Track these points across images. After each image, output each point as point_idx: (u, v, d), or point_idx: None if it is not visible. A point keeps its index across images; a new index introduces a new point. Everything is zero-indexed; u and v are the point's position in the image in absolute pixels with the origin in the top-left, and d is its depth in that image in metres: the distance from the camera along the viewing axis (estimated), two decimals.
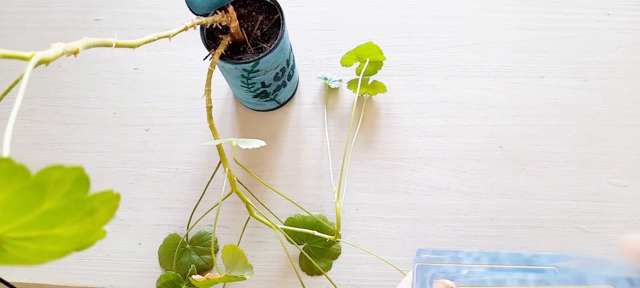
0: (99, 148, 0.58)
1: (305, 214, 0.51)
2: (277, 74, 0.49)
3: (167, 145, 0.57)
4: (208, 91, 0.44)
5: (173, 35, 0.37)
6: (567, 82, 0.56)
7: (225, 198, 0.45)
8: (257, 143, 0.39)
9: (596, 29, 0.58)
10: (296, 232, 0.50)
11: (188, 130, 0.57)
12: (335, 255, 0.51)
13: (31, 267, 0.53)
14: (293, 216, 0.51)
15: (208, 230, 0.53)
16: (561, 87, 0.56)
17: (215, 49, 0.45)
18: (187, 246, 0.52)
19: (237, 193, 0.43)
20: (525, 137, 0.54)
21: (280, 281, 0.51)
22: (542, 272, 0.33)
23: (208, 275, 0.39)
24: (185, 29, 0.39)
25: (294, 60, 0.54)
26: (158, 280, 0.51)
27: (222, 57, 0.45)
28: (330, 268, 0.51)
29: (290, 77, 0.53)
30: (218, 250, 0.53)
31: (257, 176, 0.48)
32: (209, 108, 0.44)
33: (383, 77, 0.56)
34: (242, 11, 0.49)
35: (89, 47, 0.28)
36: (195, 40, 0.60)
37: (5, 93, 0.28)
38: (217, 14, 0.43)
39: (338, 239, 0.51)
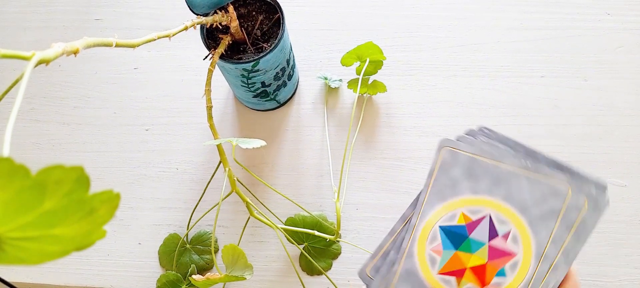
0: (99, 148, 0.58)
1: (305, 214, 0.51)
2: (277, 73, 0.49)
3: (167, 145, 0.57)
4: (208, 91, 0.44)
5: (173, 35, 0.37)
6: (567, 82, 0.56)
7: (225, 198, 0.45)
8: (257, 143, 0.39)
9: (596, 28, 0.58)
10: (296, 232, 0.50)
11: (188, 130, 0.57)
12: (335, 255, 0.51)
13: (31, 267, 0.53)
14: (293, 216, 0.51)
15: (208, 230, 0.53)
16: (561, 87, 0.56)
17: (215, 48, 0.45)
18: (187, 246, 0.52)
19: (237, 193, 0.43)
20: (525, 137, 0.54)
21: (280, 281, 0.51)
22: None
23: (208, 275, 0.39)
24: (185, 28, 0.39)
25: (294, 60, 0.54)
26: (158, 280, 0.51)
27: (222, 57, 0.45)
28: (330, 268, 0.51)
29: (290, 77, 0.53)
30: (218, 250, 0.53)
31: (257, 176, 0.48)
32: (209, 108, 0.44)
33: (383, 76, 0.56)
34: (242, 11, 0.49)
35: (89, 47, 0.28)
36: (195, 40, 0.60)
37: (5, 93, 0.28)
38: (217, 13, 0.43)
39: (338, 239, 0.51)
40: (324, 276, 0.50)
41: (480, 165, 0.34)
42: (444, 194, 0.35)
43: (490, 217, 0.34)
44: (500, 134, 0.35)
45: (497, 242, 0.34)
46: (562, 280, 0.33)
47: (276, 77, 0.50)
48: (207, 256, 0.52)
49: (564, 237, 0.33)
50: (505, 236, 0.34)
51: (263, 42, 0.47)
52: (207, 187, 0.48)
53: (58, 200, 0.17)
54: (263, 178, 0.54)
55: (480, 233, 0.34)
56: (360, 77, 0.53)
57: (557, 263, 0.33)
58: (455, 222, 0.34)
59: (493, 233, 0.34)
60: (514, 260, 0.33)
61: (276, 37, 0.46)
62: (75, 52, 0.26)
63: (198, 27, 0.47)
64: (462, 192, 0.34)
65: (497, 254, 0.34)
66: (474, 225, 0.34)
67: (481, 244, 0.34)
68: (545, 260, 0.33)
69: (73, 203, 0.17)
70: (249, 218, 0.46)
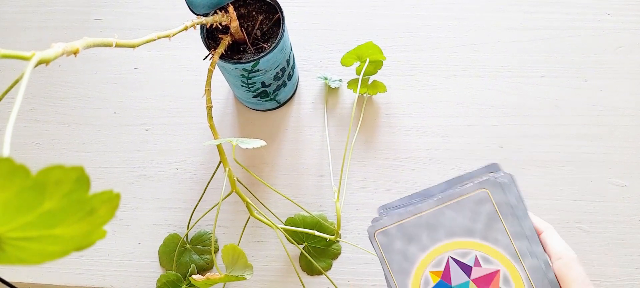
0: (99, 148, 0.58)
1: (305, 214, 0.51)
2: (277, 73, 0.49)
3: (167, 145, 0.57)
4: (208, 91, 0.44)
5: (173, 35, 0.37)
6: (567, 82, 0.56)
7: (226, 198, 0.45)
8: (257, 143, 0.39)
9: (596, 28, 0.58)
10: (296, 232, 0.50)
11: (188, 130, 0.57)
12: (335, 255, 0.51)
13: (31, 267, 0.53)
14: (293, 216, 0.51)
15: (208, 230, 0.53)
16: (561, 87, 0.56)
17: (215, 48, 0.45)
18: (187, 246, 0.52)
19: (237, 193, 0.43)
20: (525, 137, 0.54)
21: (280, 281, 0.51)
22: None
23: (208, 274, 0.39)
24: (185, 29, 0.39)
25: (294, 60, 0.54)
26: (158, 280, 0.51)
27: (222, 57, 0.45)
28: (330, 268, 0.51)
29: (290, 77, 0.53)
30: (218, 250, 0.53)
31: (257, 176, 0.48)
32: (209, 108, 0.44)
33: (383, 77, 0.56)
34: (242, 11, 0.49)
35: (89, 47, 0.28)
36: (195, 40, 0.60)
37: (5, 93, 0.28)
38: (217, 13, 0.43)
39: (338, 239, 0.50)
40: (324, 276, 0.50)
41: (408, 226, 0.36)
42: (404, 268, 0.36)
43: (452, 258, 0.35)
44: (393, 202, 0.38)
45: (476, 271, 0.35)
46: (556, 261, 0.33)
47: (276, 77, 0.50)
48: (207, 256, 0.52)
49: (515, 226, 0.34)
50: (477, 263, 0.35)
51: (263, 42, 0.47)
52: (207, 187, 0.48)
53: (58, 200, 0.17)
54: (263, 178, 0.54)
55: (457, 276, 0.35)
56: (360, 77, 0.52)
57: (529, 249, 0.34)
58: (432, 284, 0.36)
59: (466, 267, 0.35)
60: (502, 274, 0.34)
61: (276, 37, 0.46)
62: (75, 52, 0.26)
63: (198, 27, 0.47)
64: (415, 256, 0.36)
65: (485, 281, 0.35)
66: (446, 274, 0.35)
67: (467, 283, 0.35)
68: (521, 255, 0.34)
69: (73, 203, 0.17)
70: (249, 218, 0.46)
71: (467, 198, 0.34)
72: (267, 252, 0.52)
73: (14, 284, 0.49)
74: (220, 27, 0.46)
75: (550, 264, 0.34)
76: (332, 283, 0.49)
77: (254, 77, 0.47)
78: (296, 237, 0.51)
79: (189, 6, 0.41)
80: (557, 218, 0.51)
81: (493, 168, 0.36)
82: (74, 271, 0.53)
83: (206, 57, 0.46)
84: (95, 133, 0.58)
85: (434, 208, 0.35)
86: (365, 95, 0.56)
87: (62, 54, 0.25)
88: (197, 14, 0.42)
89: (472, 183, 0.35)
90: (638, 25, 0.58)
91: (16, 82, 0.27)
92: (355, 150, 0.55)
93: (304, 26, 0.61)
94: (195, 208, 0.50)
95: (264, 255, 0.52)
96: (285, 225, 0.50)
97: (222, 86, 0.58)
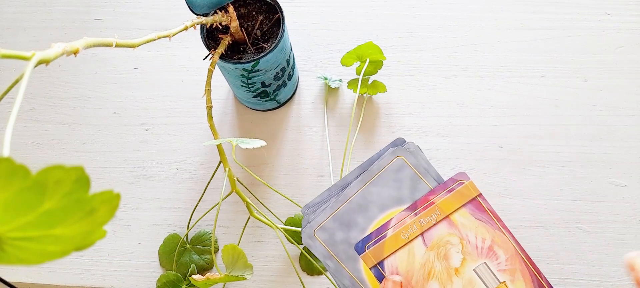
0: (99, 148, 0.58)
1: None
2: (277, 73, 0.49)
3: (167, 145, 0.57)
4: (208, 91, 0.44)
5: (173, 35, 0.37)
6: (567, 82, 0.56)
7: (226, 198, 0.45)
8: (257, 143, 0.39)
9: (596, 28, 0.58)
10: (296, 232, 0.50)
11: (188, 130, 0.57)
12: None
13: (31, 267, 0.53)
14: (293, 216, 0.51)
15: (208, 230, 0.53)
16: (561, 87, 0.56)
17: (215, 48, 0.45)
18: (187, 246, 0.52)
19: (237, 193, 0.43)
20: (525, 137, 0.54)
21: (280, 281, 0.51)
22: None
23: (208, 275, 0.39)
24: (185, 28, 0.39)
25: (294, 60, 0.54)
26: (158, 280, 0.51)
27: (222, 57, 0.45)
28: None
29: (290, 77, 0.53)
30: (218, 250, 0.53)
31: (257, 176, 0.48)
32: (209, 108, 0.44)
33: (383, 77, 0.56)
34: (242, 11, 0.49)
35: (89, 47, 0.28)
36: (195, 40, 0.60)
37: (5, 93, 0.28)
38: (217, 13, 0.43)
39: None
40: (324, 276, 0.50)
41: (342, 214, 0.38)
42: (352, 255, 0.38)
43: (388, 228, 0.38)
44: (315, 199, 0.40)
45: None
46: None
47: (276, 77, 0.50)
48: (207, 256, 0.52)
49: (434, 184, 0.37)
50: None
51: (263, 42, 0.47)
52: (207, 187, 0.48)
53: (58, 200, 0.17)
54: (263, 179, 0.54)
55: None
56: (360, 77, 0.53)
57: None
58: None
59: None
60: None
61: (276, 37, 0.46)
62: (75, 52, 0.26)
63: (198, 27, 0.47)
64: (358, 239, 0.37)
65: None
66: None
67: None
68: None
69: (73, 203, 0.17)
70: (249, 218, 0.46)
71: (386, 170, 0.37)
72: (267, 252, 0.52)
73: (14, 284, 0.49)
74: (220, 27, 0.46)
75: None
76: (333, 283, 0.49)
77: (254, 77, 0.47)
78: (296, 237, 0.51)
79: (189, 6, 0.41)
80: (557, 218, 0.51)
81: (398, 142, 0.39)
82: (74, 271, 0.53)
83: (206, 57, 0.46)
84: (95, 133, 0.58)
85: (360, 189, 0.37)
86: (365, 95, 0.56)
87: (62, 54, 0.25)
88: (197, 14, 0.42)
89: (386, 155, 0.37)
90: (638, 25, 0.58)
91: (16, 82, 0.27)
92: (355, 150, 0.55)
93: (304, 26, 0.61)
94: (195, 208, 0.50)
95: (264, 255, 0.52)
96: (285, 225, 0.50)
97: (222, 86, 0.58)
